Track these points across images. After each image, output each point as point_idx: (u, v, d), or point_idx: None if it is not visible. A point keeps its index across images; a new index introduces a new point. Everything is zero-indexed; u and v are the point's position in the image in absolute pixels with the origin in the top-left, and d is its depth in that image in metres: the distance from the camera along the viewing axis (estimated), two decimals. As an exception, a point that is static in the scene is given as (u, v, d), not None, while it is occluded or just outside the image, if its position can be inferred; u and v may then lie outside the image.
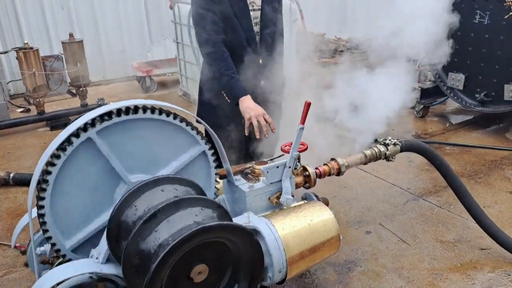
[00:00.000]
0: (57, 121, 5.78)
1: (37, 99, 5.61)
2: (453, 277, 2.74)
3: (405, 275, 2.77)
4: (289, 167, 2.19)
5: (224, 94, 2.56)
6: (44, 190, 1.62)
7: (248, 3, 2.52)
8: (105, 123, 1.65)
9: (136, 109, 1.71)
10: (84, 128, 1.63)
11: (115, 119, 1.66)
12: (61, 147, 1.60)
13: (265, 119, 2.42)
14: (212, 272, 1.65)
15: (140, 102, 1.75)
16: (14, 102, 6.79)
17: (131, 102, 1.71)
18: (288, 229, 2.04)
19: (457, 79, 5.26)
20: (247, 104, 2.43)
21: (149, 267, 1.44)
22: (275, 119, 2.85)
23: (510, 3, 4.44)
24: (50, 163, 1.61)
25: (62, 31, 7.17)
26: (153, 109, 1.75)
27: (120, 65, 8.03)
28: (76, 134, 1.62)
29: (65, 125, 5.62)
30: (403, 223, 3.31)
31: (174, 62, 7.22)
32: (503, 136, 4.98)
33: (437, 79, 5.48)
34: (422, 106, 5.65)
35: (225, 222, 1.56)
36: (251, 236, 1.64)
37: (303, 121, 2.19)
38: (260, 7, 2.59)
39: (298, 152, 2.21)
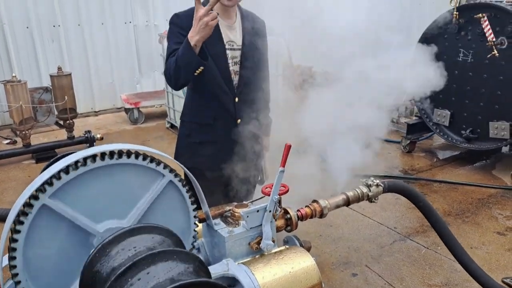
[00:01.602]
0: (43, 154, 5.70)
1: (23, 132, 5.56)
2: (440, 322, 2.67)
3: (391, 320, 2.70)
4: (270, 211, 2.15)
5: (186, 70, 2.31)
6: (14, 249, 1.54)
7: (225, 42, 2.51)
8: (56, 185, 1.53)
9: (85, 160, 1.61)
10: (36, 195, 1.53)
11: (64, 179, 1.55)
12: (19, 220, 1.53)
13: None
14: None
15: (87, 153, 1.65)
16: (1, 133, 6.73)
17: (82, 154, 1.62)
18: (269, 278, 1.97)
19: (442, 115, 5.32)
20: (191, 33, 2.20)
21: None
22: (257, 160, 2.85)
23: (492, 42, 4.53)
24: (14, 230, 1.54)
25: (52, 63, 7.20)
26: (103, 156, 1.64)
27: (109, 96, 8.04)
28: (28, 204, 1.54)
29: (50, 157, 5.61)
30: (390, 265, 3.25)
31: (162, 94, 7.25)
32: (490, 173, 4.99)
33: (423, 115, 5.54)
34: (408, 141, 5.68)
35: (199, 280, 1.50)
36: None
37: (283, 163, 2.16)
38: (240, 47, 2.59)
39: (278, 196, 2.17)
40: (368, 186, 2.69)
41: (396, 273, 3.15)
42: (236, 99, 2.62)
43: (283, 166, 2.17)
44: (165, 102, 7.00)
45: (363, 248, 3.48)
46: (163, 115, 7.38)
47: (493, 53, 4.56)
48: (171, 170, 1.86)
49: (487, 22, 4.61)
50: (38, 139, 6.42)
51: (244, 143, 2.71)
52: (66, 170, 1.58)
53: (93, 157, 1.64)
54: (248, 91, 2.66)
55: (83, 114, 7.58)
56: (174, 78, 2.36)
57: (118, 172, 1.72)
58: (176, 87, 2.47)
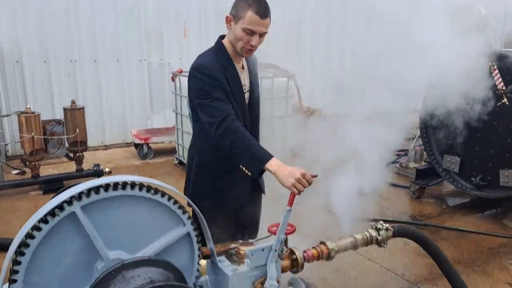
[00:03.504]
0: (50, 185, 5.72)
1: (33, 163, 5.60)
2: None
3: None
4: (275, 250, 2.11)
5: (244, 169, 2.29)
6: (19, 263, 1.54)
7: (243, 86, 2.56)
8: (91, 198, 1.60)
9: (124, 185, 1.67)
10: (70, 201, 1.58)
11: (101, 195, 1.62)
12: (43, 219, 1.55)
13: (307, 180, 2.14)
14: None
15: (129, 178, 1.72)
16: (11, 164, 6.78)
17: (119, 178, 1.68)
18: (271, 320, 1.91)
19: (452, 162, 5.27)
20: (282, 172, 2.13)
21: None
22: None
23: (502, 91, 4.56)
24: (29, 235, 1.55)
25: (66, 97, 7.34)
26: (141, 186, 1.71)
27: (120, 131, 8.13)
28: (60, 206, 1.57)
29: (57, 189, 5.62)
30: (397, 313, 3.14)
31: (172, 131, 7.33)
32: (501, 222, 4.88)
33: (432, 161, 5.49)
34: (417, 187, 5.60)
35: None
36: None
37: (290, 203, 2.15)
38: (248, 89, 2.63)
39: (285, 235, 2.14)
40: (378, 229, 2.65)
41: (404, 323, 3.04)
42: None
43: (291, 206, 2.15)
44: (175, 138, 7.07)
45: (370, 295, 3.37)
46: (172, 151, 7.42)
47: (503, 101, 4.57)
48: (192, 223, 1.90)
49: (497, 71, 4.65)
50: (47, 170, 6.46)
51: (259, 182, 2.70)
52: (106, 188, 1.64)
53: (126, 185, 1.69)
54: (255, 129, 2.70)
55: (93, 148, 7.64)
56: (227, 146, 2.29)
57: (145, 206, 1.76)
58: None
